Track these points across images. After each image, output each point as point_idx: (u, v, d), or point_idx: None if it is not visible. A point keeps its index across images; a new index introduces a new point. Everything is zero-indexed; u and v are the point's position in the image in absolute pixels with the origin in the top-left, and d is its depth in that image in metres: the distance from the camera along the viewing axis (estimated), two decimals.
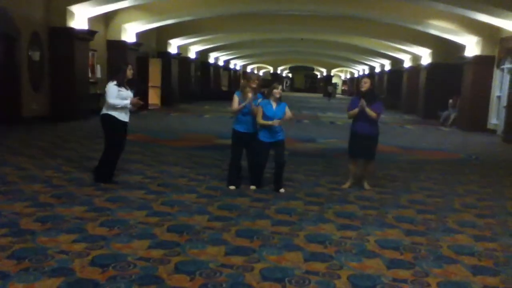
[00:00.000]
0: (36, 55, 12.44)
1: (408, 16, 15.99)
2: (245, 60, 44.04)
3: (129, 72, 6.18)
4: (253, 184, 6.24)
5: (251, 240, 4.27)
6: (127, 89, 6.13)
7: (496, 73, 15.92)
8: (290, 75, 66.88)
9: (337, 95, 51.15)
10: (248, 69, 49.86)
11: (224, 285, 3.33)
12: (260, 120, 5.98)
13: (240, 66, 46.04)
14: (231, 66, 41.09)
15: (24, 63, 12.00)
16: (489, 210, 5.73)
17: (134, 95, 6.22)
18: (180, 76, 23.59)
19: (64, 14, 12.87)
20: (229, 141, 6.39)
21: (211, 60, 31.80)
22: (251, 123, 6.10)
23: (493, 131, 15.53)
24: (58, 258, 3.65)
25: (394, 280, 3.56)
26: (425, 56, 21.39)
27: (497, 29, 14.78)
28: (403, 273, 3.69)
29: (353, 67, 47.37)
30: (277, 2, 16.66)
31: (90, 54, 14.87)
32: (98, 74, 16.02)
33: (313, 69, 60.04)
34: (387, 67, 31.10)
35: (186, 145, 10.03)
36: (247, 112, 6.06)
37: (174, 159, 8.23)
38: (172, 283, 3.33)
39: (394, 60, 28.25)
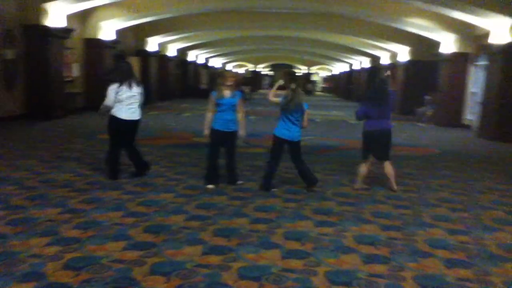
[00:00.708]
0: (10, 53, 12.16)
1: (386, 14, 16.14)
2: (225, 58, 43.90)
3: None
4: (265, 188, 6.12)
5: (229, 239, 4.25)
6: (131, 89, 6.19)
7: (471, 70, 16.24)
8: (271, 73, 67.01)
9: (317, 93, 51.53)
10: (229, 67, 49.74)
11: (200, 285, 3.31)
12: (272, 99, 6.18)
13: (220, 64, 45.86)
14: (211, 64, 40.93)
15: None
16: (462, 204, 5.83)
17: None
18: (159, 74, 23.41)
19: (39, 12, 12.63)
20: (205, 139, 6.34)
21: (191, 58, 31.61)
22: (229, 121, 6.06)
23: (468, 127, 15.83)
24: (30, 262, 3.57)
25: (370, 275, 3.59)
26: (403, 53, 21.65)
27: (473, 27, 15.05)
28: (379, 268, 3.73)
29: (332, 65, 47.67)
30: None
31: (66, 52, 14.62)
32: (75, 72, 15.76)
33: (293, 67, 60.27)
34: (366, 65, 31.38)
35: (164, 144, 9.94)
36: (224, 110, 6.02)
37: (152, 158, 8.13)
38: (148, 284, 3.30)
39: (373, 58, 28.52)
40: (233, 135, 6.12)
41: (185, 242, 4.11)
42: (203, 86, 35.22)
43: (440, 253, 4.12)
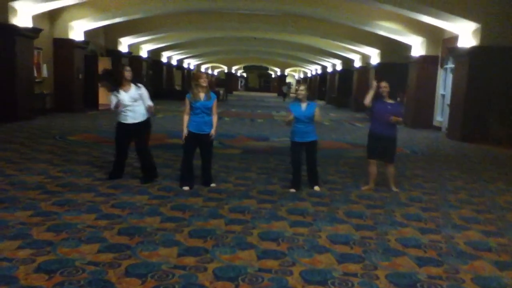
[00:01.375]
0: None
1: (357, 17, 16.42)
2: (199, 59, 43.73)
3: (127, 74, 6.20)
4: (293, 187, 6.29)
5: (204, 240, 4.25)
6: (126, 92, 6.15)
7: (440, 72, 16.68)
8: (244, 74, 67.09)
9: (291, 95, 51.79)
10: (202, 68, 49.54)
11: (176, 287, 3.29)
12: (284, 119, 6.33)
13: (194, 65, 45.65)
14: (185, 65, 40.69)
15: None
16: (433, 203, 5.98)
17: None
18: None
19: (5, 10, 12.28)
20: (180, 141, 6.32)
21: (164, 59, 31.34)
22: (202, 123, 6.05)
23: (438, 128, 16.26)
24: (0, 266, 3.48)
25: (345, 274, 3.65)
26: (374, 56, 22.06)
27: (440, 30, 15.48)
28: (353, 267, 3.79)
29: (306, 67, 48.11)
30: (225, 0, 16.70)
31: (35, 52, 14.27)
32: (44, 73, 15.39)
33: (267, 69, 60.48)
34: (339, 67, 31.82)
35: None
36: (198, 113, 6.00)
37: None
38: (123, 286, 3.26)
39: (345, 60, 28.94)
40: (207, 137, 6.12)
41: (161, 244, 4.08)
42: (178, 87, 35.01)
43: (412, 251, 4.22)
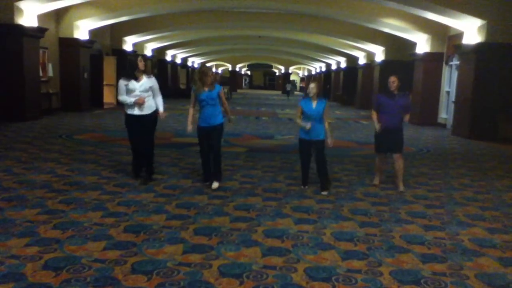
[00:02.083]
0: None
1: (362, 14, 16.39)
2: (203, 57, 43.75)
3: (141, 64, 6.05)
4: (303, 184, 6.37)
5: (209, 237, 4.28)
6: (137, 81, 6.01)
7: (445, 69, 16.62)
8: (249, 72, 67.09)
9: (296, 93, 51.71)
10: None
11: (182, 283, 3.32)
12: (297, 120, 6.23)
13: (198, 63, 45.69)
14: (189, 63, 40.73)
15: None
16: (438, 201, 5.98)
17: None
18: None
19: (11, 10, 12.36)
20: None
21: (168, 57, 31.40)
22: (209, 116, 6.00)
23: (443, 125, 16.20)
24: (9, 263, 3.53)
25: (349, 270, 3.67)
26: (379, 53, 21.99)
27: (445, 27, 15.42)
28: (357, 264, 3.81)
29: (311, 65, 48.03)
30: None
31: (40, 52, 14.36)
32: (50, 72, 15.49)
33: (271, 67, 60.45)
34: (343, 64, 31.75)
35: None
36: (204, 105, 5.98)
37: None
38: (129, 283, 3.29)
39: (350, 58, 28.87)
40: (215, 129, 6.06)
41: (166, 241, 4.12)
42: (182, 86, 35.08)
43: (417, 248, 4.23)
